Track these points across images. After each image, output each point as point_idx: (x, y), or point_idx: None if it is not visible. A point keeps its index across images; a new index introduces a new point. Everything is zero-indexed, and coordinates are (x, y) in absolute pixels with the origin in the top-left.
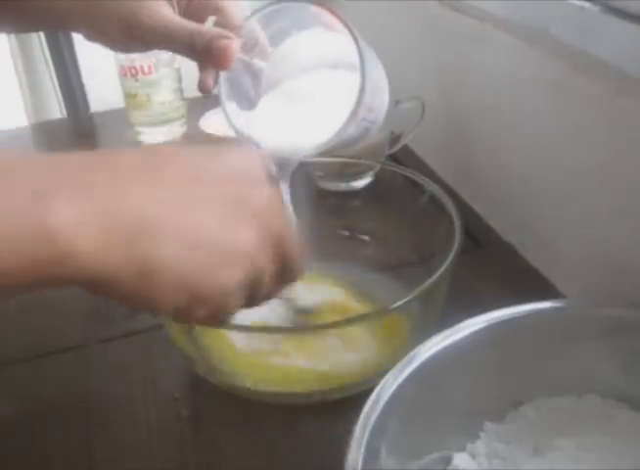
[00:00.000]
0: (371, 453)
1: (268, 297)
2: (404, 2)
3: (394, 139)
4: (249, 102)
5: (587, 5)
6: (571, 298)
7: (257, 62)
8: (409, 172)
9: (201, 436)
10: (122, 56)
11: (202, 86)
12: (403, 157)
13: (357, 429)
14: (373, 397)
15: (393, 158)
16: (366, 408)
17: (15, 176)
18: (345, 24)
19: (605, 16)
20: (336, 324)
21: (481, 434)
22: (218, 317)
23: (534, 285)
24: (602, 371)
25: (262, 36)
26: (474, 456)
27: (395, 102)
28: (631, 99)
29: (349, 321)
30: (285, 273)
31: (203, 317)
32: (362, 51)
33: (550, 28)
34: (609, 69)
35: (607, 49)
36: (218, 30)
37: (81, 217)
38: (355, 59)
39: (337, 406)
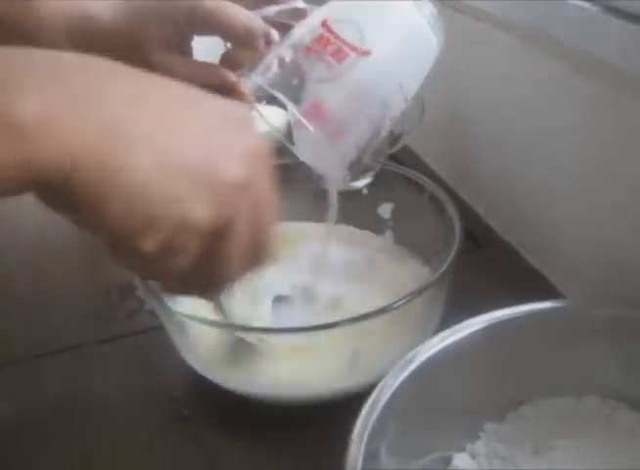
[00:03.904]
0: (371, 453)
1: (230, 271)
2: None
3: (394, 139)
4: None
5: (587, 5)
6: (571, 298)
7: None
8: (409, 172)
9: (201, 436)
10: None
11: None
12: (403, 157)
13: (357, 429)
14: (373, 397)
15: (393, 158)
16: (366, 408)
17: None
18: None
19: (605, 16)
20: (336, 324)
21: (481, 434)
22: (168, 267)
23: (534, 285)
24: (602, 371)
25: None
26: (474, 456)
27: None
28: (631, 99)
29: (349, 321)
30: (255, 244)
31: (149, 253)
32: None
33: (550, 28)
34: (609, 69)
35: (607, 49)
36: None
37: (50, 109)
38: None
39: (337, 406)
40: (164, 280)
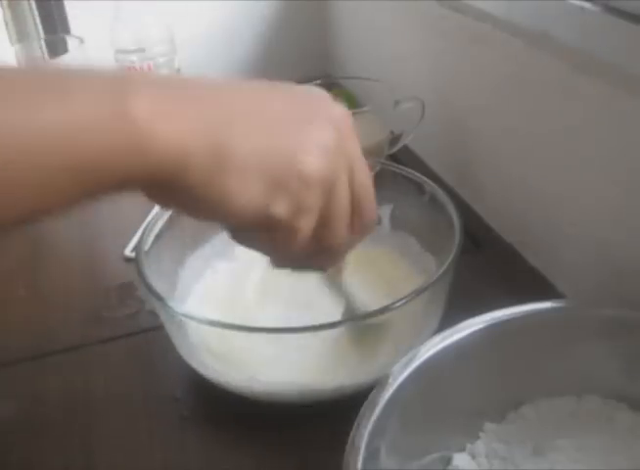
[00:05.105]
0: (371, 453)
1: (339, 234)
2: (404, 2)
3: (394, 139)
4: None
5: (587, 5)
6: (571, 298)
7: None
8: (409, 172)
9: (201, 436)
10: (122, 56)
11: None
12: (403, 157)
13: (357, 429)
14: (373, 396)
15: (393, 158)
16: (366, 408)
17: (93, 76)
18: None
19: (605, 16)
20: (336, 324)
21: (481, 434)
22: (298, 228)
23: (534, 285)
24: (602, 371)
25: None
26: (474, 456)
27: (395, 102)
28: (631, 99)
29: (349, 321)
30: (355, 210)
31: (283, 219)
32: None
33: (550, 29)
34: (609, 69)
35: (607, 49)
36: None
37: (159, 106)
38: None
39: (337, 406)
40: (294, 247)
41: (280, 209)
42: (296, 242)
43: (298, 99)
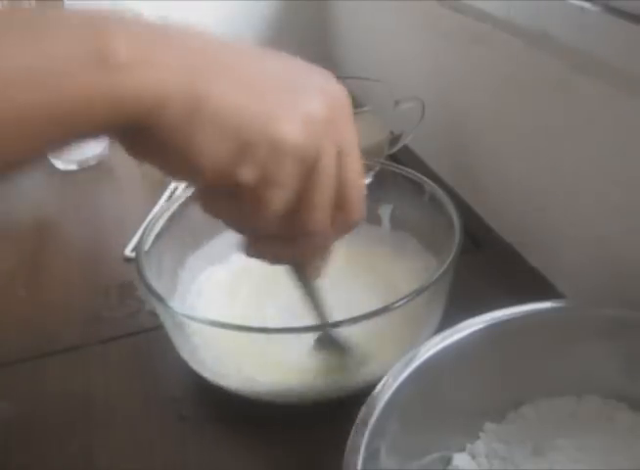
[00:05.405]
0: (371, 453)
1: (319, 217)
2: (404, 2)
3: (394, 139)
4: None
5: (587, 5)
6: (571, 298)
7: None
8: (409, 172)
9: (201, 436)
10: None
11: None
12: (403, 157)
13: (357, 429)
14: (373, 396)
15: (393, 158)
16: (366, 408)
17: (69, 17)
18: None
19: (605, 16)
20: (336, 324)
21: (481, 434)
22: (267, 199)
23: (534, 285)
24: (602, 371)
25: None
26: (474, 456)
27: (395, 102)
28: (631, 99)
29: (349, 321)
30: (342, 197)
31: (249, 186)
32: None
33: (550, 29)
34: (609, 69)
35: (607, 49)
36: None
37: (138, 50)
38: None
39: (337, 406)
40: (263, 221)
41: (246, 173)
42: (265, 216)
43: (295, 67)
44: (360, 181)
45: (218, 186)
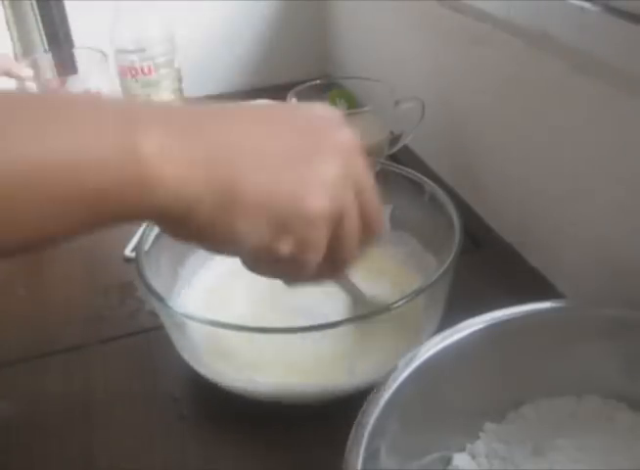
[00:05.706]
0: (371, 453)
1: (350, 254)
2: (404, 2)
3: (394, 139)
4: None
5: (587, 5)
6: (571, 298)
7: None
8: (409, 172)
9: (201, 436)
10: (122, 56)
11: None
12: (403, 157)
13: (357, 429)
14: (373, 396)
15: (393, 158)
16: (366, 408)
17: (102, 108)
18: None
19: (605, 16)
20: (336, 324)
21: (481, 434)
22: (305, 261)
23: (534, 285)
24: (602, 371)
25: None
26: (474, 456)
27: (395, 102)
28: (631, 99)
29: (349, 321)
30: (365, 226)
31: (289, 256)
32: None
33: (550, 29)
34: (609, 69)
35: (607, 49)
36: None
37: (167, 146)
38: None
39: (337, 406)
40: (302, 275)
41: (285, 246)
42: (304, 272)
43: (302, 129)
44: (377, 202)
45: (261, 258)
